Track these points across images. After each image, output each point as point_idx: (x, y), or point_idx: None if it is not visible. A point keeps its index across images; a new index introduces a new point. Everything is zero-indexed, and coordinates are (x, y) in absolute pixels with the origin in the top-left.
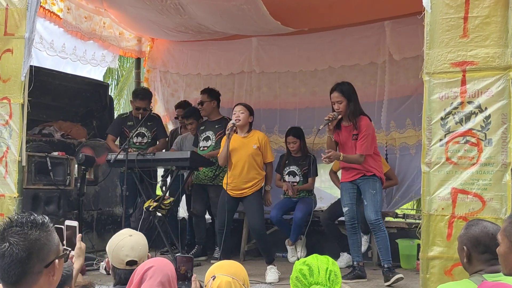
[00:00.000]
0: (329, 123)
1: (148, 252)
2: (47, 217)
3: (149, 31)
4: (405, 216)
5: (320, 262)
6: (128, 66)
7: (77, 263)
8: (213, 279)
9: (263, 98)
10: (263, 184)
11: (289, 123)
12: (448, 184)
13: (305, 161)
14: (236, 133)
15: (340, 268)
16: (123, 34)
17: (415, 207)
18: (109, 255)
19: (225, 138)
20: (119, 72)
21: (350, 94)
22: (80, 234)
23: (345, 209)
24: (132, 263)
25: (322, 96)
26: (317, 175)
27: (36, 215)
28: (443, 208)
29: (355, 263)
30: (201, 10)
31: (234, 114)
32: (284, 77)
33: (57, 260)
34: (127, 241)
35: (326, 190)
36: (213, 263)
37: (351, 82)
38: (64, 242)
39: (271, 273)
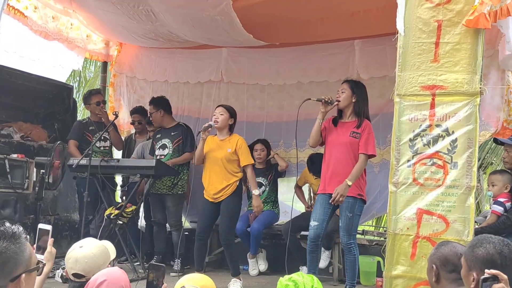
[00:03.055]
0: (322, 102)
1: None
2: (20, 227)
3: (117, 36)
4: (364, 232)
5: (306, 279)
6: (94, 69)
7: (46, 266)
8: None
9: None
10: (235, 188)
11: (256, 136)
12: (414, 205)
13: (268, 171)
14: (216, 135)
15: None
16: (90, 37)
17: (374, 224)
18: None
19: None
20: (84, 75)
21: (358, 90)
22: (52, 239)
23: (314, 223)
24: (78, 276)
25: (289, 111)
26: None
27: (8, 224)
28: (408, 228)
29: None
30: (174, 19)
31: (214, 115)
32: (252, 89)
33: (24, 275)
34: (73, 254)
35: (290, 204)
36: (172, 276)
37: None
38: (35, 245)
39: (235, 285)
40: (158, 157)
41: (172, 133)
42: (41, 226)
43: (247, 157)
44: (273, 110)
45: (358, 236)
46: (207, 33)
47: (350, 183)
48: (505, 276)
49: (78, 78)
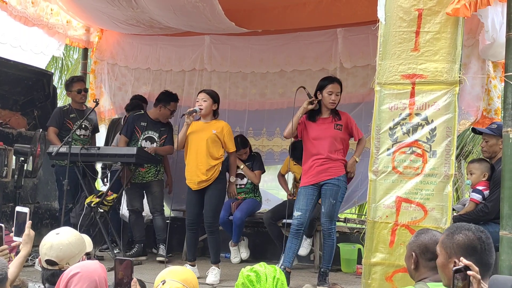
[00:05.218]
0: (309, 100)
1: (85, 254)
2: None
3: (98, 22)
4: (346, 220)
5: (268, 270)
6: (75, 56)
7: (24, 249)
8: (163, 284)
9: None
10: (219, 171)
11: (238, 123)
12: (393, 193)
13: (251, 161)
14: (199, 119)
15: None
16: (70, 23)
17: (357, 212)
18: None
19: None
20: (65, 62)
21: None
22: (30, 221)
23: (297, 213)
24: (51, 263)
25: (272, 99)
26: (264, 171)
27: None
28: (387, 216)
29: (282, 266)
30: (155, 5)
31: (197, 102)
32: (235, 77)
33: None
34: (48, 239)
35: (273, 192)
36: (159, 261)
37: (300, 86)
38: (13, 228)
39: (212, 275)
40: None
41: (161, 128)
42: (18, 209)
43: (233, 144)
44: (255, 98)
45: (340, 224)
46: (189, 20)
47: (357, 159)
48: (476, 268)
49: (60, 65)
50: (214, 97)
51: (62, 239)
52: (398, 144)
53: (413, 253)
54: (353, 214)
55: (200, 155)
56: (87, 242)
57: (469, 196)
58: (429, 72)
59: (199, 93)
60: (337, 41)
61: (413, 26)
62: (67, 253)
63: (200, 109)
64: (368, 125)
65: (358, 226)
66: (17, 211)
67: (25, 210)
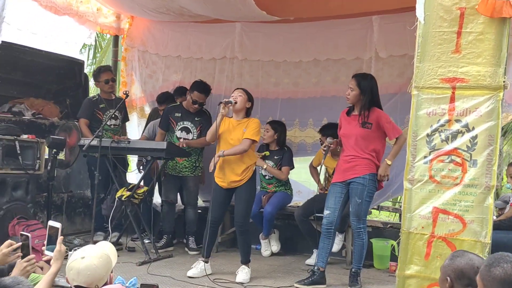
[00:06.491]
0: (327, 154)
1: (111, 272)
2: None
3: (128, 9)
4: (379, 207)
5: None
6: (105, 44)
7: (54, 266)
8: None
9: (244, 85)
10: (253, 170)
11: (270, 113)
12: (430, 203)
13: (280, 155)
14: (231, 117)
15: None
16: (100, 10)
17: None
18: None
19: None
20: (96, 50)
21: (366, 87)
22: (62, 237)
23: (326, 212)
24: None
25: (305, 88)
26: (293, 167)
27: None
28: (423, 227)
29: (315, 267)
30: None
31: (232, 96)
32: (267, 66)
33: None
34: (75, 265)
35: (304, 183)
36: (192, 254)
37: (335, 76)
38: (45, 241)
39: (243, 273)
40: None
41: (196, 118)
42: (51, 223)
43: (251, 133)
44: (288, 87)
45: (373, 211)
46: (219, 10)
47: (389, 163)
48: None
49: (93, 51)
50: (249, 96)
51: (89, 264)
52: (436, 152)
53: (448, 278)
54: (387, 200)
55: (235, 156)
56: (112, 254)
57: (510, 199)
58: (471, 76)
59: (234, 90)
60: (372, 29)
61: (454, 26)
62: (95, 277)
63: (235, 101)
64: (405, 117)
65: (393, 222)
66: (49, 225)
67: (57, 225)
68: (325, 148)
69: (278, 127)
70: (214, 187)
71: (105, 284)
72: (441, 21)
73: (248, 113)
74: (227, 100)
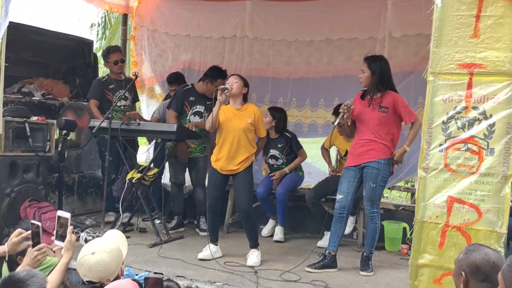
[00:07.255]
0: (344, 115)
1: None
2: None
3: None
4: (392, 187)
5: None
6: (114, 22)
7: (66, 256)
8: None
9: (255, 64)
10: (253, 159)
11: (281, 93)
12: (445, 192)
13: (283, 142)
14: (228, 103)
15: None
16: None
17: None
18: None
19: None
20: (105, 27)
21: (375, 65)
22: (72, 227)
23: (339, 196)
24: (92, 283)
25: (317, 67)
26: (301, 147)
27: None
28: (437, 216)
29: (327, 251)
30: None
31: (228, 83)
32: (279, 45)
33: None
34: (86, 260)
35: (315, 164)
36: (202, 236)
37: (348, 55)
38: (54, 231)
39: (253, 256)
40: None
41: (207, 102)
42: (60, 213)
43: (264, 129)
44: (300, 66)
45: (385, 191)
46: None
47: (407, 149)
48: None
49: (102, 30)
50: (245, 81)
51: (99, 260)
52: (451, 140)
53: (463, 272)
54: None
55: (237, 146)
56: (122, 244)
57: None
58: (489, 62)
59: (229, 76)
60: (386, 7)
61: (473, 9)
62: (106, 272)
63: (231, 87)
64: (418, 97)
65: (403, 199)
66: (58, 216)
67: (67, 215)
68: (345, 108)
69: (277, 114)
70: (210, 170)
71: (117, 277)
72: (459, 4)
73: (244, 98)
74: (223, 86)
